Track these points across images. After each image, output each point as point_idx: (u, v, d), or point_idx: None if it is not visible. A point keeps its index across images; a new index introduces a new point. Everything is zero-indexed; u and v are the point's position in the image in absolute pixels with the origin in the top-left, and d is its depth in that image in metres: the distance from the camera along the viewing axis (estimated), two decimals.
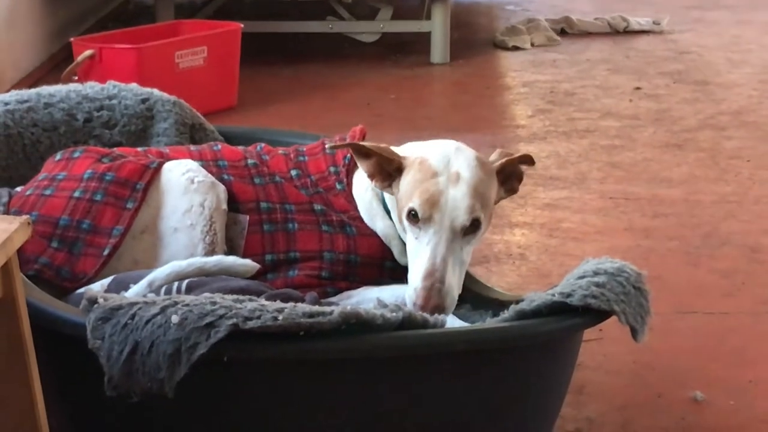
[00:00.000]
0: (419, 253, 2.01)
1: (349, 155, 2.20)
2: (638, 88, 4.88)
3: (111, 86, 2.63)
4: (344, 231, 2.17)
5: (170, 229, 2.15)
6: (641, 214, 3.40)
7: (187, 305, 1.72)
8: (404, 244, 2.14)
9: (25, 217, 1.63)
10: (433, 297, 1.96)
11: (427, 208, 2.00)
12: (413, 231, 2.03)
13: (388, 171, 2.09)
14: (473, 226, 2.02)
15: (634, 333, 1.92)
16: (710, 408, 2.33)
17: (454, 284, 1.99)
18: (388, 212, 2.16)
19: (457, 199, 2.01)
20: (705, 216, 3.38)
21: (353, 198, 2.19)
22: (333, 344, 1.73)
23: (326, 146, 2.24)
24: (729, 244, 3.17)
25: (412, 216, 2.02)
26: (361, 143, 2.11)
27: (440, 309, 1.95)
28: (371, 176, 2.11)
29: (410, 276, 2.02)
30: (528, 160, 2.10)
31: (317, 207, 2.19)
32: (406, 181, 2.06)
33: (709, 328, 2.68)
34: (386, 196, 2.16)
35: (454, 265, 2.00)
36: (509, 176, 2.12)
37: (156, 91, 2.64)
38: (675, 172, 3.79)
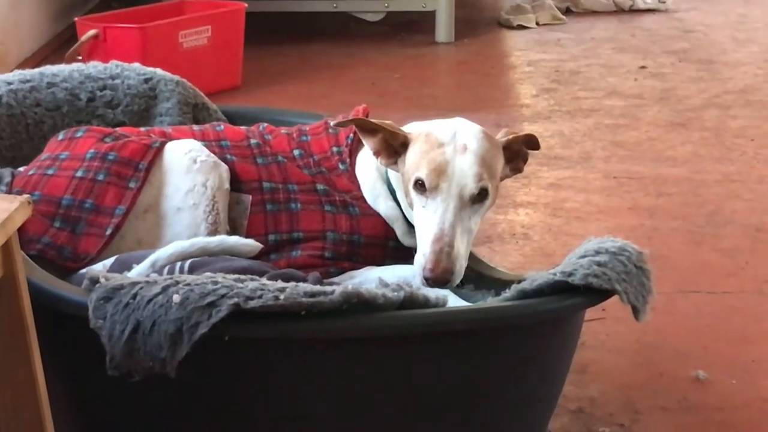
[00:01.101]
0: (427, 220, 2.01)
1: (352, 135, 2.20)
2: (643, 67, 4.87)
3: (114, 66, 2.63)
4: (347, 211, 2.17)
5: (173, 209, 2.15)
6: (645, 193, 3.40)
7: (189, 285, 1.72)
8: (408, 224, 2.14)
9: (25, 196, 1.63)
10: (443, 261, 1.96)
11: (434, 176, 2.00)
12: (421, 200, 2.03)
13: (394, 147, 2.09)
14: (481, 195, 2.02)
15: (636, 312, 1.91)
16: (712, 387, 2.33)
17: (463, 251, 1.99)
18: (392, 193, 2.16)
19: (465, 168, 2.01)
20: (709, 195, 3.38)
21: (356, 178, 2.19)
22: (334, 324, 1.73)
23: (331, 124, 2.24)
24: (733, 224, 3.17)
25: (420, 186, 2.02)
26: (366, 119, 2.11)
27: (449, 273, 1.95)
28: (377, 153, 2.11)
29: (419, 244, 2.02)
30: (533, 141, 2.10)
31: (320, 187, 2.19)
32: (413, 152, 2.06)
33: (712, 308, 2.68)
34: (391, 176, 2.15)
35: (462, 232, 2.00)
36: (515, 155, 2.12)
37: (159, 71, 2.64)
38: (679, 151, 3.79)
